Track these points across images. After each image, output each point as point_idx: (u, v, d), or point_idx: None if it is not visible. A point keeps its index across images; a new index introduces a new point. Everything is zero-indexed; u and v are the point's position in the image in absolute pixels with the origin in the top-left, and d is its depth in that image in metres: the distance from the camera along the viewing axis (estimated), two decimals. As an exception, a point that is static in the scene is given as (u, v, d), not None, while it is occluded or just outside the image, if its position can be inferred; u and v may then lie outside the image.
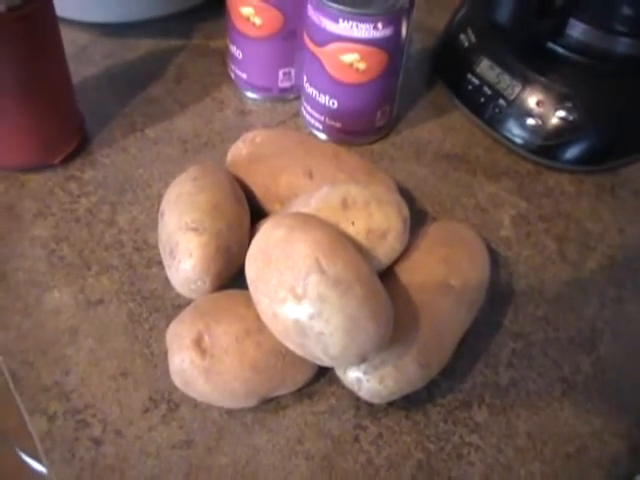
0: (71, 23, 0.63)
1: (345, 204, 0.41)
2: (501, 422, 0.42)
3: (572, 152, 0.54)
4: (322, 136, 0.56)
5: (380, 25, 0.47)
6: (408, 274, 0.42)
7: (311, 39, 0.50)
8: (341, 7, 0.47)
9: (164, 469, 0.39)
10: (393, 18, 0.47)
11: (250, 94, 0.59)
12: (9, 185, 0.51)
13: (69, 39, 0.63)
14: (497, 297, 0.48)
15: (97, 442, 0.40)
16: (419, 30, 0.65)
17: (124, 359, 0.43)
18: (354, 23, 0.47)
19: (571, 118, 0.52)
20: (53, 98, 0.49)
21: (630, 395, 0.44)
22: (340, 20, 0.47)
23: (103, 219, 0.50)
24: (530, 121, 0.53)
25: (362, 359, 0.37)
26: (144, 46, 0.63)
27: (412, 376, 0.39)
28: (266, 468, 0.39)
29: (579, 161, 0.54)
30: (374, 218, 0.40)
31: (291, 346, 0.38)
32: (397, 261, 0.42)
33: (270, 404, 0.41)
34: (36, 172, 0.52)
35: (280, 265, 0.37)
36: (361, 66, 0.49)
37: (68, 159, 0.53)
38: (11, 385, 0.42)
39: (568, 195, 0.54)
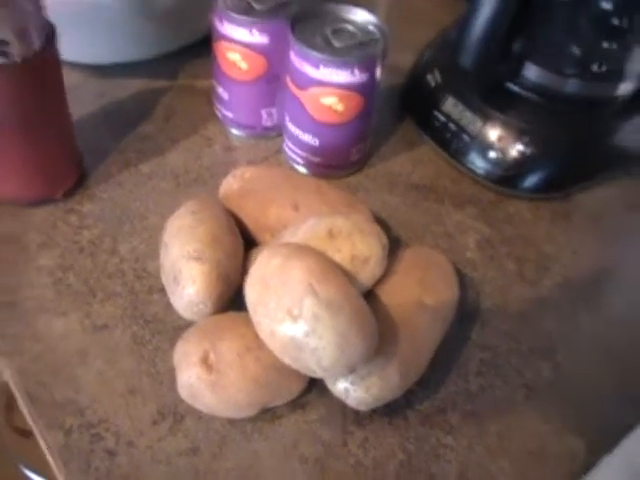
0: (66, 63, 0.66)
1: (331, 234, 0.46)
2: (472, 425, 0.47)
3: (530, 181, 0.60)
4: (302, 170, 0.61)
5: (357, 71, 0.52)
6: (388, 295, 0.47)
7: (294, 82, 0.55)
8: (321, 55, 0.52)
9: (174, 474, 0.43)
10: (368, 64, 0.53)
11: (235, 131, 0.64)
12: (14, 218, 0.55)
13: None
14: (466, 314, 0.53)
15: (111, 453, 0.44)
16: (388, 69, 0.70)
17: (132, 378, 0.47)
18: (333, 69, 0.52)
19: (529, 151, 0.58)
20: (57, 136, 0.54)
21: (586, 396, 0.50)
22: (321, 66, 0.52)
23: (105, 249, 0.54)
24: (492, 154, 0.59)
25: (351, 370, 0.42)
26: (134, 85, 0.68)
27: (394, 385, 0.44)
28: (267, 471, 0.44)
29: (536, 189, 0.60)
30: (357, 246, 0.45)
31: (287, 360, 0.42)
32: (378, 284, 0.47)
33: (267, 414, 0.46)
34: (38, 206, 0.56)
35: (278, 290, 0.42)
36: (339, 108, 0.55)
37: (68, 194, 0.57)
38: (28, 404, 0.46)
39: (526, 220, 0.60)
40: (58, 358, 0.48)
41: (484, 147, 0.59)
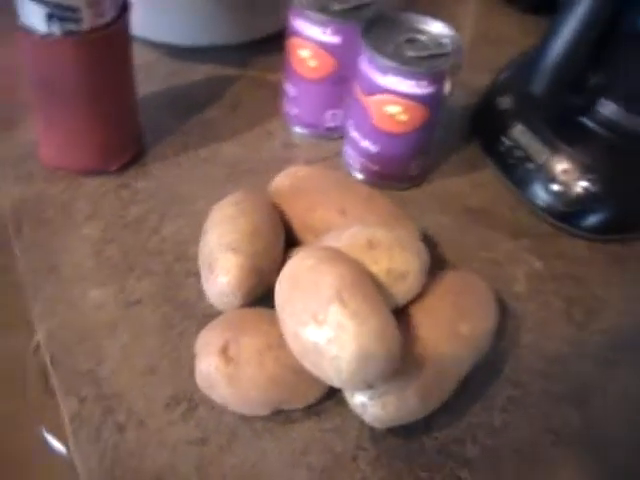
0: (141, 40, 0.68)
1: (371, 244, 0.45)
2: (490, 461, 0.45)
3: (590, 221, 0.57)
4: (359, 176, 0.60)
5: (424, 83, 0.51)
6: (421, 315, 0.45)
7: (360, 87, 0.55)
8: (390, 62, 0.51)
9: (178, 461, 0.43)
10: (437, 78, 0.52)
11: (298, 129, 0.64)
12: (66, 186, 0.56)
13: (138, 55, 0.67)
14: (502, 346, 0.51)
15: (121, 428, 0.44)
16: (464, 88, 0.69)
17: (153, 358, 0.47)
18: (400, 78, 0.51)
19: (592, 189, 0.56)
20: (119, 110, 0.55)
21: (614, 453, 0.47)
22: (389, 74, 0.51)
23: (150, 227, 0.54)
24: (554, 187, 0.57)
25: (369, 384, 0.41)
26: (205, 70, 0.69)
27: (412, 407, 0.43)
28: (270, 472, 0.43)
29: (595, 230, 0.58)
30: (395, 260, 0.44)
31: (307, 365, 0.42)
32: (412, 302, 0.46)
33: (281, 416, 0.45)
34: (93, 176, 0.57)
35: (306, 292, 0.41)
36: (402, 118, 0.54)
37: (123, 168, 0.58)
38: (50, 367, 0.47)
39: (581, 260, 0.58)
40: (87, 327, 0.48)
41: (547, 179, 0.57)
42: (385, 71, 0.51)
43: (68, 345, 0.47)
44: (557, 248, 0.58)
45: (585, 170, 0.56)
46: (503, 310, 0.53)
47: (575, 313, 0.54)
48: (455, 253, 0.57)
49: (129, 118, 0.56)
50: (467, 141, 0.66)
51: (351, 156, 0.59)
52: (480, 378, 0.49)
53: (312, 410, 0.46)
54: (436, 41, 0.54)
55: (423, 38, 0.54)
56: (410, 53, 0.52)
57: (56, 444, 0.66)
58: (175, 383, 0.46)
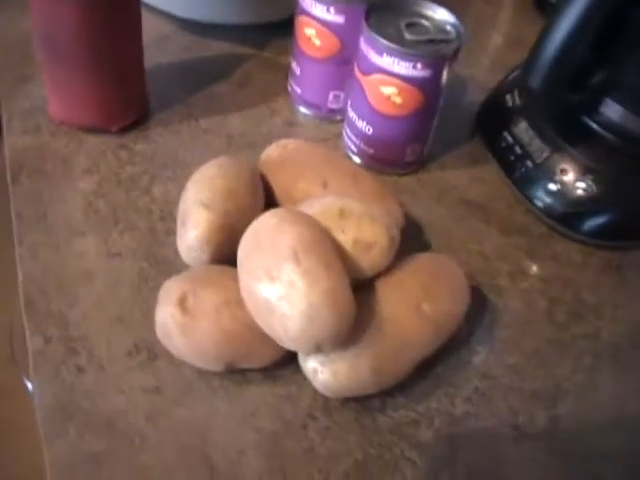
0: (159, 12, 0.70)
1: (342, 214, 0.45)
2: (443, 448, 0.44)
3: (586, 224, 0.56)
4: (356, 159, 0.60)
5: (419, 65, 0.51)
6: (386, 289, 0.45)
7: (358, 67, 0.55)
8: (386, 42, 0.51)
9: (130, 407, 0.44)
10: (433, 62, 0.52)
11: (302, 109, 0.64)
12: (69, 140, 0.58)
13: (154, 26, 0.70)
14: (475, 337, 0.50)
15: (80, 370, 0.45)
16: (478, 87, 0.69)
17: (123, 307, 0.48)
18: (396, 59, 0.51)
19: (591, 191, 0.55)
20: (123, 72, 0.56)
21: (577, 459, 0.45)
22: (384, 54, 0.52)
23: (141, 187, 0.56)
24: (552, 186, 0.56)
25: (317, 347, 0.41)
26: (220, 47, 0.70)
27: (363, 378, 0.43)
28: (218, 430, 0.43)
29: (592, 234, 0.56)
30: (363, 231, 0.44)
31: (259, 322, 0.42)
32: (381, 276, 0.46)
33: (238, 376, 0.46)
34: (95, 134, 0.58)
35: (265, 249, 0.41)
36: (398, 100, 0.54)
37: (125, 129, 0.59)
38: (24, 307, 0.48)
39: (573, 263, 0.56)
40: (66, 273, 0.49)
41: (546, 178, 0.56)
42: (381, 51, 0.51)
43: (44, 288, 0.48)
44: (549, 249, 0.57)
45: (585, 171, 0.55)
46: (482, 302, 0.53)
47: (558, 314, 0.53)
48: (442, 242, 0.56)
49: (133, 82, 0.58)
50: (472, 136, 0.65)
51: (349, 138, 0.59)
52: (447, 365, 0.49)
53: (269, 374, 0.46)
54: (439, 27, 0.54)
55: (426, 23, 0.54)
56: (409, 36, 0.52)
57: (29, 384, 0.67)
58: (140, 333, 0.47)
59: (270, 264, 0.40)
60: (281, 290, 0.39)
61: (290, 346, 0.41)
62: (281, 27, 0.70)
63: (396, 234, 0.45)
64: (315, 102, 0.63)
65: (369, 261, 0.45)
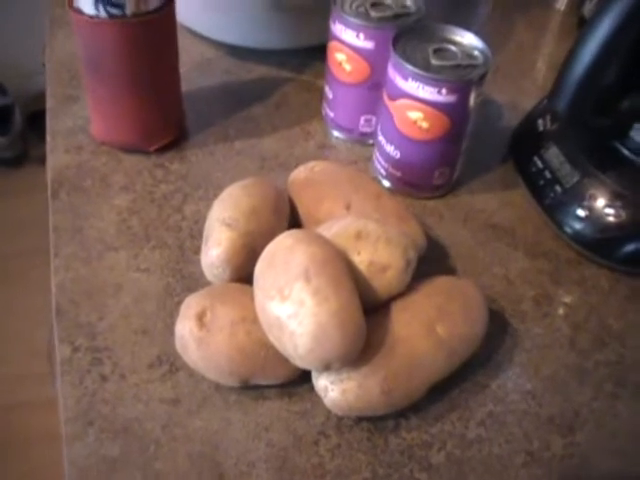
0: (204, 38, 0.73)
1: (359, 235, 0.45)
2: (453, 470, 0.44)
3: (615, 250, 0.55)
4: (385, 182, 0.61)
5: (444, 91, 0.52)
6: (400, 311, 0.46)
7: (387, 92, 0.56)
8: (411, 67, 0.52)
9: (147, 416, 0.45)
10: (458, 87, 0.52)
11: (335, 132, 0.65)
12: (109, 159, 0.61)
13: (198, 51, 0.73)
14: (494, 361, 0.50)
15: (103, 378, 0.47)
16: (513, 110, 0.69)
17: (149, 320, 0.50)
18: (421, 84, 0.52)
19: (619, 217, 0.54)
20: (161, 94, 0.59)
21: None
22: (409, 79, 0.52)
23: (173, 205, 0.58)
24: (580, 212, 0.55)
25: (325, 366, 0.42)
26: (259, 71, 0.72)
27: (373, 398, 0.43)
28: (230, 441, 0.45)
29: (620, 260, 0.55)
30: (378, 253, 0.45)
31: (272, 339, 0.43)
32: (396, 298, 0.47)
33: (254, 392, 0.47)
34: (133, 154, 0.61)
35: (279, 268, 0.42)
36: (424, 125, 0.54)
37: (162, 149, 0.62)
38: (55, 315, 0.50)
39: (600, 289, 0.55)
40: (97, 285, 0.52)
41: (574, 203, 0.55)
42: (406, 76, 0.52)
43: (75, 298, 0.51)
44: (576, 275, 0.56)
45: (614, 197, 0.54)
46: (503, 326, 0.53)
47: (580, 340, 0.52)
48: (466, 265, 0.56)
49: (171, 104, 0.60)
50: (504, 161, 0.65)
51: (379, 161, 0.60)
52: (463, 389, 0.49)
53: (286, 391, 0.47)
54: (466, 52, 0.55)
55: (454, 49, 0.55)
56: (436, 61, 0.53)
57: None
58: (163, 346, 0.49)
59: (282, 283, 0.41)
60: (291, 308, 0.41)
61: (300, 364, 0.42)
62: (321, 51, 0.71)
63: (413, 257, 0.46)
64: (347, 126, 0.64)
65: (384, 283, 0.45)
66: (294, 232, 0.44)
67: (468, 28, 0.57)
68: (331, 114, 0.64)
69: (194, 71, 0.68)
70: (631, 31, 0.48)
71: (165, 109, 0.60)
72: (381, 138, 0.59)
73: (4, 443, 1.33)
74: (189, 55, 0.70)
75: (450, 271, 0.55)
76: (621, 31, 0.47)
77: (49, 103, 0.66)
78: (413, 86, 0.52)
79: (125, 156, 0.61)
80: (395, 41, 0.54)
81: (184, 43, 0.72)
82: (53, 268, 0.53)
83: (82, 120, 0.64)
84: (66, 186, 0.58)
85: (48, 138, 0.62)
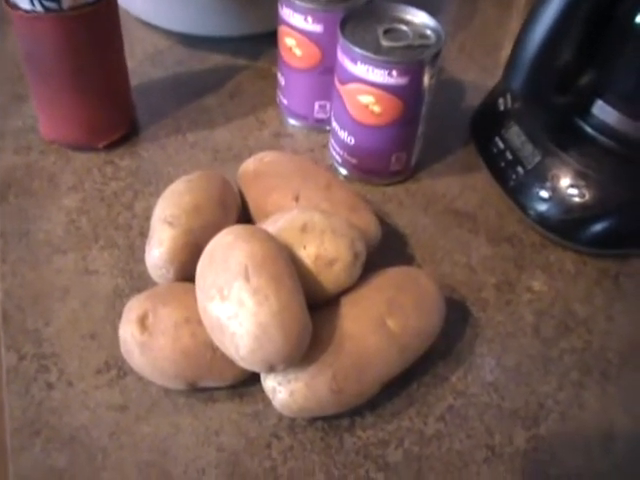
0: (155, 28, 0.71)
1: (304, 228, 0.44)
2: (412, 469, 0.43)
3: (580, 232, 0.53)
4: (342, 170, 0.59)
5: (395, 73, 0.50)
6: (349, 306, 0.44)
7: (337, 76, 0.54)
8: (359, 50, 0.50)
9: (94, 424, 0.44)
10: (410, 69, 0.50)
11: (290, 120, 0.64)
12: (57, 158, 0.59)
13: (150, 42, 0.71)
14: (454, 353, 0.48)
15: (50, 386, 0.45)
16: (475, 90, 0.67)
17: (97, 324, 0.49)
18: (370, 67, 0.50)
19: (583, 197, 0.52)
20: (106, 90, 0.57)
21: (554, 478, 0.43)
22: (358, 62, 0.50)
23: (123, 203, 0.56)
24: (543, 193, 0.53)
25: (269, 367, 0.40)
26: (213, 60, 0.70)
27: (323, 398, 0.42)
28: (180, 447, 0.43)
29: (586, 242, 0.53)
30: (325, 246, 0.43)
31: (215, 341, 0.41)
32: (347, 292, 0.45)
33: (204, 394, 0.45)
34: (83, 151, 0.59)
35: (218, 267, 0.41)
36: (376, 109, 0.52)
37: (112, 145, 0.60)
38: (1, 322, 0.49)
39: (566, 273, 0.54)
40: (44, 289, 0.50)
41: (536, 184, 0.54)
42: (355, 59, 0.50)
43: (22, 304, 0.49)
44: (541, 259, 0.54)
45: (576, 176, 0.52)
46: (464, 316, 0.51)
47: (545, 328, 0.50)
48: (426, 253, 0.54)
49: (118, 98, 0.59)
50: (466, 143, 0.63)
51: (334, 148, 0.59)
52: (422, 382, 0.47)
53: (236, 392, 0.46)
54: (418, 32, 0.53)
55: (405, 28, 0.53)
56: (386, 43, 0.51)
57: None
58: (111, 350, 0.47)
59: (222, 282, 0.40)
60: (231, 309, 0.39)
61: (244, 365, 0.41)
62: (274, 36, 0.69)
63: (361, 249, 0.44)
64: (301, 113, 0.62)
65: (332, 277, 0.44)
66: (234, 228, 0.42)
67: (430, 7, 0.55)
68: (285, 101, 0.62)
69: (145, 63, 0.67)
70: (584, 5, 0.45)
71: (112, 104, 0.58)
72: (335, 124, 0.57)
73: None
74: (140, 46, 0.68)
75: (409, 260, 0.53)
76: (573, 5, 0.45)
77: (-2, 102, 0.64)
78: (362, 69, 0.50)
79: (74, 154, 0.59)
80: (343, 23, 0.52)
81: (135, 34, 0.71)
82: (0, 274, 0.51)
83: (32, 119, 0.62)
84: (14, 188, 0.56)
85: (-3, 138, 0.61)
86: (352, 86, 0.52)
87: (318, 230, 0.44)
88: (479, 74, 0.71)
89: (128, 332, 0.43)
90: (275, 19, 0.60)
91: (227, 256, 0.40)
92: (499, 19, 0.80)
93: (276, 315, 0.39)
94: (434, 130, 0.59)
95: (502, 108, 0.57)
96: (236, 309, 0.39)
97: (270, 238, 0.42)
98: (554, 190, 0.53)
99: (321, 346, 0.42)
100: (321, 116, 0.61)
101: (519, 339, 0.50)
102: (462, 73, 0.70)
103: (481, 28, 0.78)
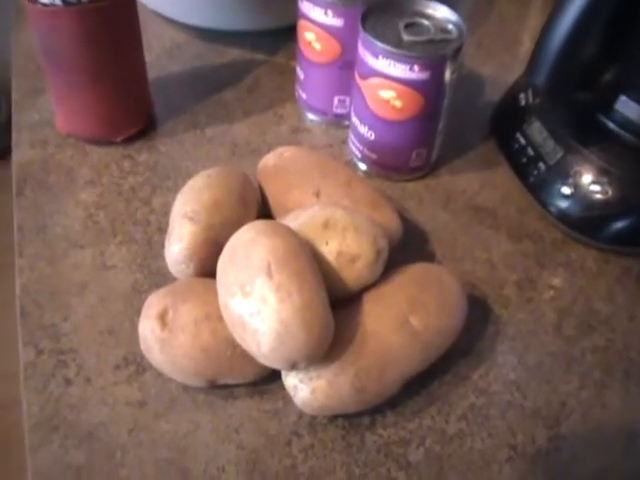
0: (173, 22, 0.71)
1: (326, 225, 0.43)
2: (433, 468, 0.42)
3: (602, 229, 0.53)
4: (361, 165, 0.58)
5: (417, 68, 0.49)
6: (372, 303, 0.43)
7: (358, 71, 0.53)
8: (380, 44, 0.49)
9: (113, 420, 0.44)
10: (431, 63, 0.49)
11: (309, 114, 0.63)
12: (75, 152, 0.59)
13: (168, 36, 0.71)
14: (475, 351, 0.48)
15: (68, 382, 0.45)
16: (496, 85, 0.66)
17: (115, 319, 0.48)
18: (392, 62, 0.49)
19: (606, 194, 0.51)
20: (124, 84, 0.56)
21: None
22: (380, 57, 0.50)
23: (141, 197, 0.56)
24: (565, 190, 0.53)
25: (291, 365, 0.40)
26: (231, 54, 0.70)
27: (345, 396, 0.41)
28: (199, 445, 0.43)
29: (608, 239, 0.53)
30: (347, 243, 0.43)
31: (236, 338, 0.41)
32: (368, 289, 0.44)
33: (224, 391, 0.45)
34: (100, 145, 0.59)
35: (240, 263, 0.40)
36: (397, 104, 0.52)
37: (130, 140, 0.59)
38: (18, 317, 0.49)
39: (588, 271, 0.53)
40: (61, 284, 0.50)
41: (558, 180, 0.53)
42: (376, 54, 0.50)
43: (39, 299, 0.49)
44: (562, 256, 0.54)
45: (598, 173, 0.52)
46: (485, 314, 0.50)
47: (567, 326, 0.50)
48: (447, 250, 0.54)
49: (136, 92, 0.58)
50: (487, 138, 0.62)
51: (353, 143, 0.58)
52: (443, 381, 0.47)
53: (257, 389, 0.45)
54: (439, 26, 0.52)
55: (426, 23, 0.52)
56: (407, 37, 0.51)
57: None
58: (129, 346, 0.47)
59: (244, 278, 0.39)
60: (254, 305, 0.38)
61: (265, 363, 0.40)
62: (293, 31, 0.69)
63: (383, 246, 0.44)
64: (320, 107, 0.61)
65: (354, 274, 0.43)
66: (256, 224, 0.42)
67: (447, 2, 0.54)
68: (304, 96, 0.62)
69: (164, 57, 0.66)
70: (607, 1, 0.45)
71: (130, 98, 0.57)
72: (355, 119, 0.56)
73: (3, 441, 1.33)
74: (158, 40, 0.68)
75: (429, 257, 0.53)
76: (597, 2, 0.44)
77: (15, 96, 0.63)
78: (384, 64, 0.50)
79: (92, 148, 0.59)
80: (364, 17, 0.52)
81: (153, 28, 0.71)
82: (17, 269, 0.51)
83: (48, 113, 0.61)
84: (31, 182, 0.56)
85: (13, 133, 0.60)
86: (373, 81, 0.51)
87: (340, 226, 0.43)
88: (497, 69, 0.70)
89: (148, 328, 0.43)
90: (294, 13, 0.59)
91: (249, 252, 0.40)
92: (516, 14, 0.80)
93: (299, 312, 0.38)
94: (453, 125, 0.58)
95: (523, 103, 0.56)
96: (258, 306, 0.38)
97: (292, 234, 0.42)
98: (576, 187, 0.52)
99: (343, 344, 0.41)
100: (340, 111, 0.61)
101: (540, 337, 0.49)
102: (481, 68, 0.70)
103: (498, 23, 0.77)
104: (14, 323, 0.51)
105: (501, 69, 0.70)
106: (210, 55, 0.69)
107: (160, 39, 0.68)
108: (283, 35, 0.70)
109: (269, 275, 0.39)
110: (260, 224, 0.42)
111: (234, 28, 0.68)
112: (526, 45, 0.74)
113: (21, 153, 0.58)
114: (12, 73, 0.66)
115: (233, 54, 0.69)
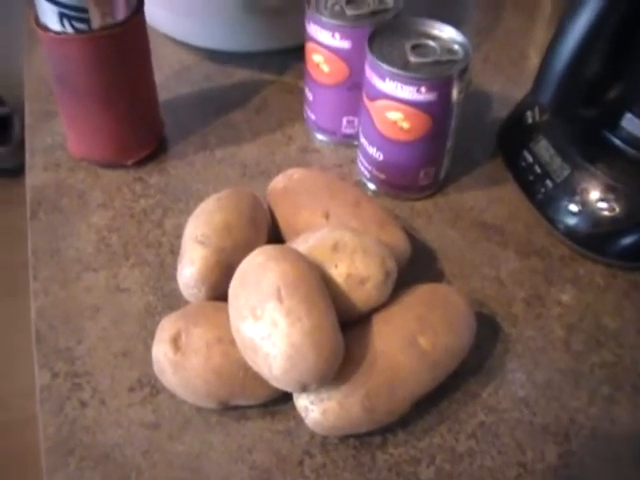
0: (181, 44, 0.72)
1: (335, 247, 0.44)
2: (444, 487, 0.43)
3: (610, 245, 0.53)
4: (371, 185, 0.59)
5: (423, 89, 0.50)
6: (381, 324, 0.44)
7: (365, 93, 0.54)
8: (387, 67, 0.50)
9: (128, 441, 0.44)
10: (438, 84, 0.50)
11: (318, 135, 0.64)
12: (87, 176, 0.60)
13: (176, 58, 0.72)
14: (485, 368, 0.48)
15: (83, 404, 0.46)
16: (502, 102, 0.66)
17: (129, 342, 0.49)
18: (399, 84, 0.50)
19: (613, 211, 0.52)
20: (136, 108, 0.57)
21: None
22: (387, 79, 0.51)
23: (153, 220, 0.56)
24: (572, 207, 0.53)
25: (302, 387, 0.40)
26: (240, 75, 0.70)
27: (355, 417, 0.42)
28: (212, 465, 0.44)
29: (616, 255, 0.53)
30: (356, 265, 0.43)
31: (248, 360, 0.42)
32: (377, 311, 0.45)
33: (236, 412, 0.46)
34: (112, 169, 0.60)
35: (251, 287, 0.41)
36: (405, 125, 0.52)
37: (141, 162, 0.60)
38: (34, 341, 0.49)
39: (595, 286, 0.53)
40: (74, 308, 0.51)
41: (565, 198, 0.53)
42: (383, 76, 0.51)
43: (54, 323, 0.50)
44: (570, 273, 0.54)
45: (605, 190, 0.52)
46: (494, 331, 0.51)
47: (575, 342, 0.50)
48: (455, 268, 0.54)
49: (146, 115, 0.59)
50: (493, 155, 0.63)
51: (362, 163, 0.59)
52: (452, 399, 0.47)
53: (268, 410, 0.46)
54: (446, 47, 0.53)
55: (432, 44, 0.53)
56: (414, 59, 0.51)
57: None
58: (143, 368, 0.48)
59: (255, 303, 0.40)
60: (265, 329, 0.39)
61: (277, 385, 0.41)
62: (303, 51, 0.69)
63: (392, 267, 0.44)
64: (329, 128, 0.62)
65: (363, 296, 0.44)
66: (266, 249, 0.43)
67: (453, 17, 0.54)
68: (312, 116, 0.63)
69: (173, 79, 0.67)
70: (613, 18, 0.45)
71: (141, 121, 0.58)
72: (363, 140, 0.57)
73: (12, 458, 1.34)
74: (167, 62, 0.69)
75: (438, 275, 0.53)
76: (602, 18, 0.45)
77: (28, 120, 0.65)
78: (391, 86, 0.51)
79: (103, 171, 0.60)
80: (371, 40, 0.52)
81: (162, 50, 0.72)
82: (32, 293, 0.52)
83: (61, 137, 0.62)
84: (44, 206, 0.57)
85: (27, 156, 0.61)
86: (381, 103, 0.52)
87: (349, 249, 0.44)
88: (505, 84, 0.71)
89: (161, 352, 0.44)
90: (301, 34, 0.60)
91: (259, 277, 0.41)
92: (522, 28, 0.80)
93: (309, 335, 0.39)
94: (460, 142, 0.59)
95: (530, 121, 0.57)
96: (269, 329, 0.39)
97: (301, 258, 0.42)
98: (583, 204, 0.53)
99: (353, 365, 0.42)
100: (349, 131, 0.61)
101: (549, 354, 0.49)
102: (488, 84, 0.70)
103: (504, 38, 0.78)
104: (28, 338, 0.52)
105: (508, 84, 0.71)
106: (218, 76, 0.70)
107: (169, 61, 0.69)
108: (290, 55, 0.71)
109: (279, 300, 0.39)
110: (270, 249, 0.43)
111: (242, 49, 0.69)
112: (533, 60, 0.74)
113: (35, 176, 0.59)
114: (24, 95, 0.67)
115: (241, 75, 0.70)
